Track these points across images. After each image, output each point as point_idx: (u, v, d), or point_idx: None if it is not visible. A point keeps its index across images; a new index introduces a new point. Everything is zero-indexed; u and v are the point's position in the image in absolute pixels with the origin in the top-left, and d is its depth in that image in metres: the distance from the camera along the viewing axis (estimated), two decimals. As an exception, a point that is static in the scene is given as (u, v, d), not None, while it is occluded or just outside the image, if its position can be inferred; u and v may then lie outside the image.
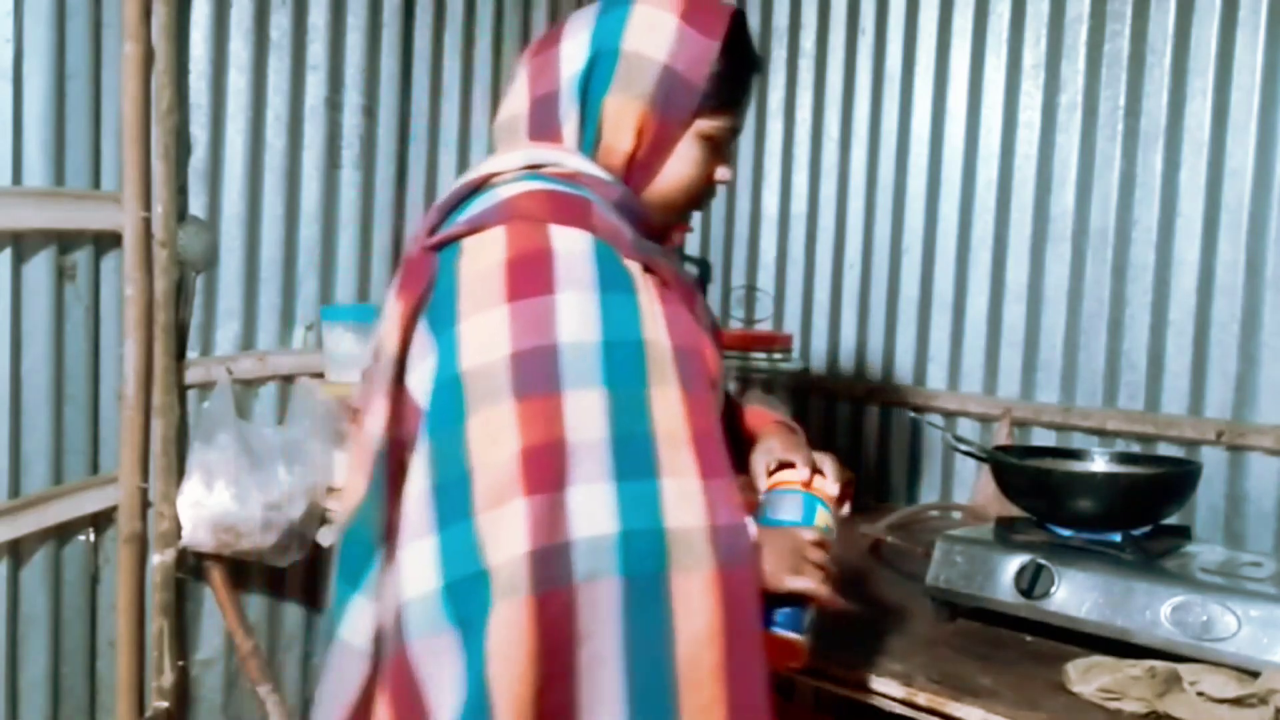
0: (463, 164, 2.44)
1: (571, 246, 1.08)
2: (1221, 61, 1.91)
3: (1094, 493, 1.52)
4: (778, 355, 2.25)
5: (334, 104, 2.19)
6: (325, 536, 1.99)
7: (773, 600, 1.09)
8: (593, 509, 1.00)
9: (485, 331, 1.04)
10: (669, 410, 1.06)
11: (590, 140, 1.19)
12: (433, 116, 2.38)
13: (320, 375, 2.17)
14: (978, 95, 2.19)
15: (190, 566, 2.02)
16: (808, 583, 1.09)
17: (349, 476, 1.21)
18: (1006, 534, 1.53)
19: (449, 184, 2.39)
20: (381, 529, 1.11)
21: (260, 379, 2.12)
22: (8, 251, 1.75)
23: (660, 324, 1.09)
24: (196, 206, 2.00)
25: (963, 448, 1.70)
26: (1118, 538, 1.48)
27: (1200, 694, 1.20)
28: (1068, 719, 1.20)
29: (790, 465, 1.25)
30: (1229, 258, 1.91)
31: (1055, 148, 2.10)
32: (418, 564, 1.02)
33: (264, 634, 2.16)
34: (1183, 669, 1.23)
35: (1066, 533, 1.52)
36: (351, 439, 1.24)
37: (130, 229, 1.87)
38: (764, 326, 2.46)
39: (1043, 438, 2.11)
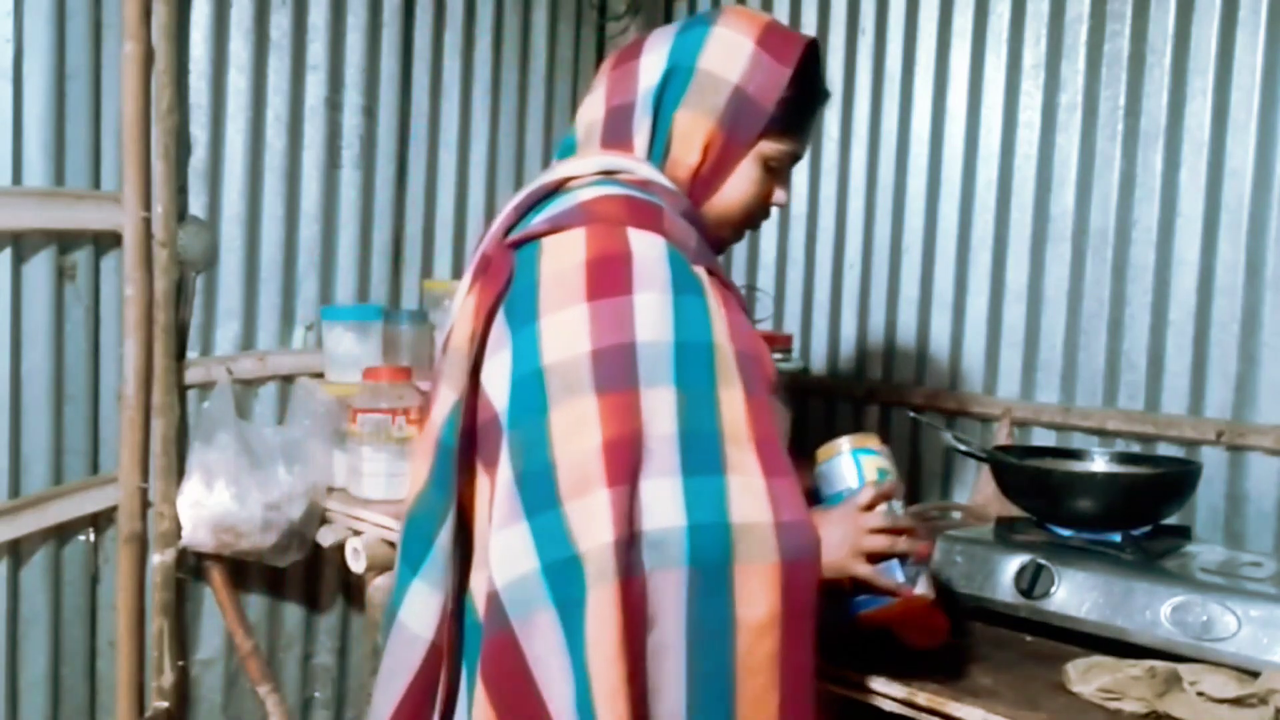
0: (463, 164, 2.45)
1: (647, 250, 1.12)
2: (1221, 61, 1.90)
3: (1094, 493, 1.52)
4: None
5: (334, 104, 2.19)
6: (325, 536, 1.99)
7: (856, 588, 1.15)
8: (662, 502, 1.05)
9: (566, 328, 1.09)
10: (734, 411, 1.10)
11: (659, 151, 1.24)
12: (433, 116, 2.38)
13: (320, 375, 2.17)
14: (978, 95, 2.19)
15: (190, 566, 2.02)
16: (868, 569, 1.13)
17: (414, 464, 1.25)
18: (1006, 534, 1.53)
19: (448, 184, 2.43)
20: (442, 516, 1.16)
21: (260, 379, 2.12)
22: (8, 251, 1.75)
23: (725, 328, 1.14)
24: (196, 206, 2.00)
25: (963, 448, 1.70)
26: (1118, 538, 1.48)
27: (1200, 694, 1.20)
28: (1068, 719, 1.20)
29: None
30: (1229, 258, 1.91)
31: (1055, 148, 2.09)
32: (511, 549, 1.06)
33: (264, 634, 2.16)
34: (1183, 669, 1.23)
35: (1066, 533, 1.52)
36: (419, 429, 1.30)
37: (130, 229, 1.87)
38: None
39: (1043, 438, 2.11)
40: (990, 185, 2.18)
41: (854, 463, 1.21)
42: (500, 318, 1.14)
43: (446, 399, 1.19)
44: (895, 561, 1.15)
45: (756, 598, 1.05)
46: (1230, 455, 1.91)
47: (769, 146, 1.25)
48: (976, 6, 2.18)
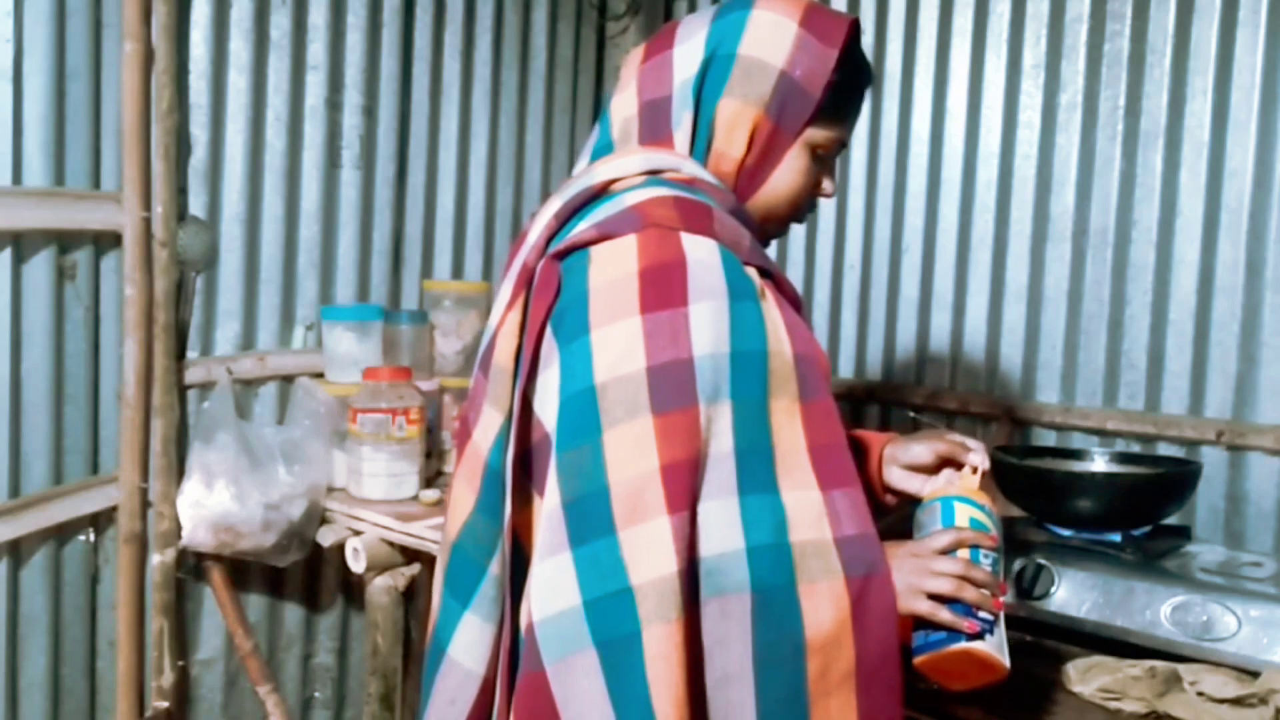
0: (463, 164, 2.45)
1: (703, 255, 1.06)
2: (1221, 61, 1.91)
3: (1094, 493, 1.52)
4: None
5: (334, 104, 2.19)
6: (325, 536, 1.99)
7: (917, 624, 1.07)
8: (721, 525, 1.00)
9: (620, 343, 1.02)
10: (788, 422, 1.04)
11: (702, 145, 1.17)
12: (433, 116, 2.38)
13: (320, 375, 2.17)
14: (978, 95, 2.19)
15: (190, 566, 2.02)
16: (928, 605, 1.04)
17: (456, 490, 1.18)
18: (1006, 534, 1.53)
19: (448, 184, 2.43)
20: (494, 545, 1.10)
21: (260, 379, 2.12)
22: (8, 251, 1.75)
23: (781, 331, 1.08)
24: (196, 206, 2.00)
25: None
26: (1118, 538, 1.48)
27: (1200, 694, 1.20)
28: (1068, 719, 1.20)
29: (954, 463, 1.23)
30: (1229, 258, 1.91)
31: (1055, 148, 2.10)
32: (553, 581, 0.99)
33: (264, 634, 2.16)
34: (1183, 669, 1.23)
35: (1066, 533, 1.52)
36: (456, 451, 1.22)
37: (130, 229, 1.87)
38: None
39: (1043, 438, 2.11)
40: (990, 185, 2.18)
41: (947, 509, 1.13)
42: (548, 332, 1.07)
43: (492, 420, 1.11)
44: (965, 609, 1.05)
45: (824, 616, 0.99)
46: (1230, 455, 1.91)
47: (817, 134, 1.17)
48: (976, 6, 2.18)
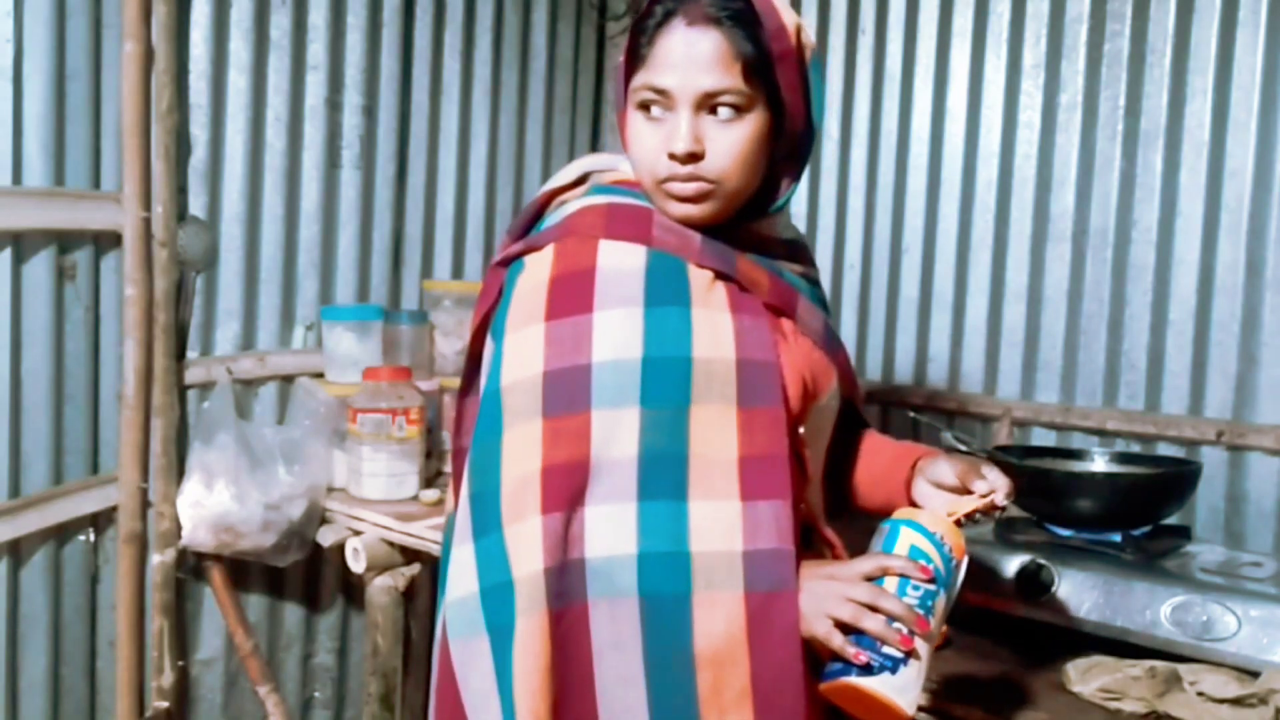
0: (463, 164, 2.45)
1: (620, 263, 1.08)
2: (1221, 61, 1.91)
3: (1094, 493, 1.52)
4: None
5: (334, 104, 2.19)
6: (325, 536, 1.99)
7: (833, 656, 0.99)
8: (611, 528, 1.01)
9: (524, 348, 1.07)
10: (714, 428, 1.04)
11: None
12: (433, 116, 2.38)
13: (320, 375, 2.17)
14: (978, 95, 2.19)
15: (190, 566, 2.02)
16: (826, 628, 0.98)
17: (452, 484, 1.25)
18: (1006, 534, 1.53)
19: (448, 184, 2.43)
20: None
21: (260, 379, 2.12)
22: (8, 251, 1.75)
23: (723, 337, 1.07)
24: (196, 206, 2.00)
25: (963, 448, 1.70)
26: (1118, 538, 1.48)
27: (1200, 694, 1.20)
28: (1068, 719, 1.20)
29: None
30: (1229, 258, 1.91)
31: (1055, 148, 2.10)
32: (460, 567, 1.06)
33: (264, 634, 2.16)
34: (1183, 669, 1.23)
35: (1066, 533, 1.52)
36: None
37: (130, 229, 1.87)
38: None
39: (1043, 438, 2.11)
40: (990, 185, 2.18)
41: (893, 532, 1.04)
42: (490, 336, 1.15)
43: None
44: (870, 641, 0.96)
45: (716, 630, 0.99)
46: (1230, 455, 1.91)
47: (634, 90, 1.09)
48: (976, 6, 2.18)
